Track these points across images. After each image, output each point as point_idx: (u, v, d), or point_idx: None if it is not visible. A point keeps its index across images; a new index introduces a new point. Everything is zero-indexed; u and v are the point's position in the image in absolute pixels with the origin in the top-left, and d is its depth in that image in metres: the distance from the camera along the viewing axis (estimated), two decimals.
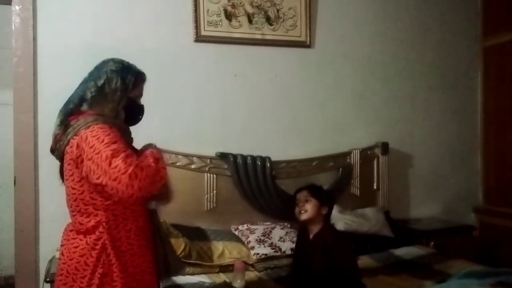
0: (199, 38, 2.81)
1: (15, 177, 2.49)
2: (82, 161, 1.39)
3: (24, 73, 2.49)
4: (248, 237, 2.58)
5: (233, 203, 2.79)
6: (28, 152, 2.49)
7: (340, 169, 3.07)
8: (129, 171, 1.30)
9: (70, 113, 1.50)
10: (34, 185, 2.49)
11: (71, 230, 1.51)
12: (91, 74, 1.56)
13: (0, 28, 3.31)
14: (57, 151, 1.50)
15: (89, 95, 1.50)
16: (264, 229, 2.66)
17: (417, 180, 3.44)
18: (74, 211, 1.49)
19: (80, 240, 1.45)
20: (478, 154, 3.70)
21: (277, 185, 2.85)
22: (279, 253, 2.48)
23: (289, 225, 2.76)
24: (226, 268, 2.37)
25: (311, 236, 2.04)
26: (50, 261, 2.40)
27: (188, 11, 2.79)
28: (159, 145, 2.60)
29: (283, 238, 2.57)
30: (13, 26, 2.49)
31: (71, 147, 1.42)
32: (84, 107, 1.51)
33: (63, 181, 1.55)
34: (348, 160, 3.10)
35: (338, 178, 3.06)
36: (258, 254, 2.45)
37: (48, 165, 2.52)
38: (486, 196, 3.67)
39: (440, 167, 3.52)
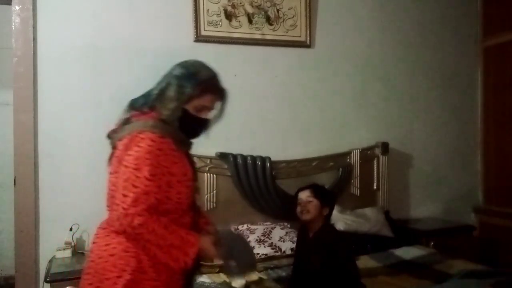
0: (199, 38, 2.81)
1: (15, 177, 2.49)
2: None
3: (24, 73, 2.49)
4: (248, 237, 2.58)
5: (233, 203, 2.79)
6: (28, 152, 2.49)
7: (340, 169, 3.07)
8: (130, 211, 1.26)
9: (136, 108, 1.45)
10: (34, 185, 2.49)
11: (104, 228, 1.41)
12: (165, 74, 1.48)
13: (0, 28, 3.31)
14: (112, 140, 1.45)
15: (152, 96, 1.44)
16: (264, 229, 2.66)
17: (417, 180, 3.45)
18: (110, 207, 1.40)
19: (112, 238, 1.36)
20: (478, 154, 3.70)
21: (277, 185, 2.85)
22: (279, 253, 2.48)
23: (289, 225, 2.76)
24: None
25: (310, 234, 2.04)
26: (50, 261, 2.40)
27: (188, 11, 2.79)
28: None
29: (283, 238, 2.57)
30: (13, 26, 2.49)
31: (122, 144, 1.37)
32: (146, 108, 1.43)
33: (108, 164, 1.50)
34: (348, 160, 3.10)
35: (338, 178, 3.06)
36: (258, 254, 2.45)
37: (48, 165, 2.53)
38: (486, 196, 3.67)
39: (440, 167, 3.52)
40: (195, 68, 1.44)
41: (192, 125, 1.44)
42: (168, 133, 1.36)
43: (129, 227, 1.26)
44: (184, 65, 1.45)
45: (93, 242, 1.44)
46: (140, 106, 1.44)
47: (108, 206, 1.41)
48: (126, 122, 1.42)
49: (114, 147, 1.43)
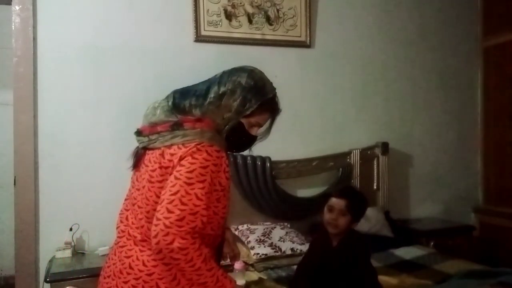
0: (199, 38, 2.81)
1: (15, 177, 2.49)
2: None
3: (24, 73, 2.49)
4: (248, 237, 2.58)
5: (233, 203, 2.77)
6: (28, 152, 2.49)
7: (340, 169, 3.07)
8: (172, 230, 1.12)
9: (186, 110, 1.28)
10: (34, 185, 2.49)
11: (144, 240, 1.27)
12: (222, 75, 1.33)
13: (0, 28, 3.31)
14: (150, 141, 1.29)
15: (208, 99, 1.27)
16: (264, 229, 2.66)
17: (417, 180, 3.45)
18: (151, 219, 1.23)
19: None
20: (478, 154, 3.70)
21: (277, 185, 2.85)
22: (279, 253, 2.48)
23: (289, 225, 2.76)
24: (226, 268, 2.36)
25: (334, 243, 1.82)
26: (50, 261, 2.40)
27: (188, 11, 2.79)
28: None
29: (283, 238, 2.57)
30: (13, 26, 2.49)
31: (173, 154, 1.22)
32: (197, 111, 1.27)
33: (133, 168, 1.37)
34: (348, 160, 3.10)
35: (338, 178, 3.06)
36: (258, 254, 2.45)
37: (48, 165, 2.53)
38: (486, 196, 3.67)
39: (440, 167, 3.53)
40: (263, 82, 1.32)
41: (241, 140, 1.35)
42: (223, 146, 1.26)
43: (166, 248, 1.12)
44: (252, 75, 1.31)
45: (128, 256, 1.28)
46: (190, 107, 1.28)
47: (146, 217, 1.28)
48: (176, 126, 1.25)
49: (148, 148, 1.30)
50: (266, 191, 2.80)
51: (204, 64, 2.84)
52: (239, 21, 2.90)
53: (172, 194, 1.16)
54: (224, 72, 1.34)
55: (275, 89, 1.35)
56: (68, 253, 2.44)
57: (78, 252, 2.49)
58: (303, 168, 2.98)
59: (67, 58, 2.57)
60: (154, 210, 1.23)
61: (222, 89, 1.28)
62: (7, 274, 3.87)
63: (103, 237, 2.49)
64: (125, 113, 2.65)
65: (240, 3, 2.90)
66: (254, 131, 1.36)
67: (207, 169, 1.20)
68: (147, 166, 1.30)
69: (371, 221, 2.92)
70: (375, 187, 3.18)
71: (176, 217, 1.14)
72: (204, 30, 2.82)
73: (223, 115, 1.28)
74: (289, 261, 2.43)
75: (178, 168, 1.20)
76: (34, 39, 2.51)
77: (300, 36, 3.05)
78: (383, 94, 3.33)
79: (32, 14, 2.50)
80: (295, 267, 2.33)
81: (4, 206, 3.77)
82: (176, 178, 1.18)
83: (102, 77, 2.64)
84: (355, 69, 3.24)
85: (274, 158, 2.85)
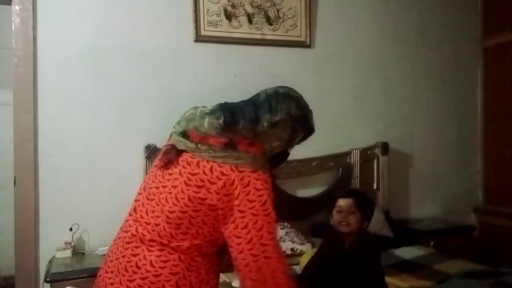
0: (199, 38, 2.81)
1: (15, 177, 2.49)
2: (228, 202, 1.21)
3: (24, 73, 2.49)
4: None
5: None
6: (28, 152, 2.48)
7: (340, 169, 3.07)
8: (272, 259, 1.21)
9: (239, 131, 1.26)
10: (34, 185, 2.49)
11: (153, 240, 1.25)
12: (269, 100, 1.31)
13: (0, 28, 3.31)
14: (197, 149, 1.25)
15: (260, 127, 1.27)
16: None
17: (417, 180, 3.45)
18: (172, 222, 1.23)
19: (170, 254, 1.23)
20: (478, 154, 3.70)
21: (277, 185, 2.85)
22: None
23: (289, 225, 2.76)
24: (227, 269, 2.35)
25: (346, 245, 1.85)
26: (50, 261, 2.40)
27: (188, 11, 2.79)
28: (159, 145, 2.63)
29: (283, 238, 2.57)
30: (13, 26, 2.49)
31: (225, 174, 1.21)
32: (249, 135, 1.27)
33: (164, 166, 1.32)
34: (348, 160, 3.10)
35: (338, 178, 3.06)
36: None
37: (48, 165, 2.53)
38: (486, 196, 3.67)
39: (440, 167, 3.53)
40: (307, 110, 1.38)
41: (279, 159, 1.40)
42: (269, 170, 1.29)
43: (271, 276, 1.21)
44: (300, 105, 1.35)
45: (135, 254, 1.26)
46: (243, 129, 1.27)
47: (168, 218, 1.24)
48: (229, 145, 1.24)
49: (185, 151, 1.28)
50: None
51: (204, 64, 2.85)
52: (239, 21, 2.90)
53: (259, 230, 1.21)
54: (270, 96, 1.34)
55: (311, 112, 1.42)
56: (68, 253, 2.44)
57: (78, 252, 2.49)
58: (303, 168, 2.98)
59: (67, 58, 2.57)
60: (182, 212, 1.22)
61: (275, 118, 1.29)
62: (7, 274, 3.87)
63: (103, 237, 2.48)
64: (125, 113, 2.65)
65: (240, 3, 2.90)
66: (290, 150, 1.43)
67: (270, 196, 1.24)
68: (185, 168, 1.26)
69: (371, 221, 2.92)
70: (375, 187, 3.18)
71: (271, 247, 1.22)
72: (204, 30, 2.82)
73: (273, 143, 1.31)
74: (289, 261, 2.43)
75: (244, 201, 1.21)
76: (34, 39, 2.51)
77: (300, 36, 3.05)
78: (383, 94, 3.33)
79: (32, 14, 2.50)
80: (295, 267, 2.35)
81: (4, 206, 3.77)
82: (254, 215, 1.21)
83: (102, 77, 2.64)
84: (355, 69, 3.24)
85: None
